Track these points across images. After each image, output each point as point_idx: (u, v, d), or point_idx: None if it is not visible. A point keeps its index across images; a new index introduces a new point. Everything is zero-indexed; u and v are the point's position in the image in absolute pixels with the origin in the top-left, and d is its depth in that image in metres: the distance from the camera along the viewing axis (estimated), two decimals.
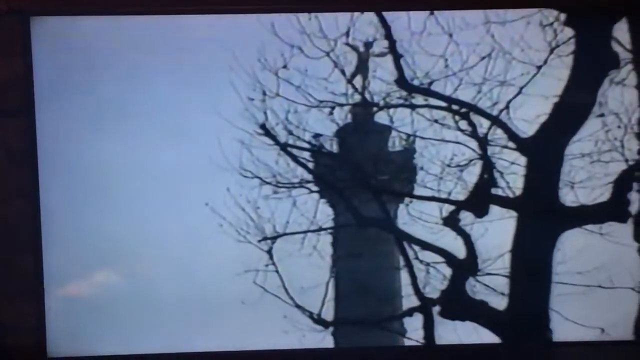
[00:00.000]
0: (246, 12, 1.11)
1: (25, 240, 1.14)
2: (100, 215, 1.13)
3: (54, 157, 1.12)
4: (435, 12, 1.12)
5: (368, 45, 1.13)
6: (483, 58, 1.14)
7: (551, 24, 1.14)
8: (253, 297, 1.15)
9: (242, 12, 1.12)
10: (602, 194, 1.17)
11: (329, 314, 1.17)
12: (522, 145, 1.16)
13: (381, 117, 1.15)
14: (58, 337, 1.14)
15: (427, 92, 1.14)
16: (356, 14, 1.13)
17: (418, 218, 1.16)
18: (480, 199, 1.16)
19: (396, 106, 1.14)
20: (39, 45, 1.09)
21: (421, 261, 1.17)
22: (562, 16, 1.13)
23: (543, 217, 1.17)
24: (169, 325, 1.16)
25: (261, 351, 1.16)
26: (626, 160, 1.17)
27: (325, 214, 1.16)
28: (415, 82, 1.14)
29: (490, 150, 1.16)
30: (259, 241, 1.15)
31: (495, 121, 1.15)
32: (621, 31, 1.14)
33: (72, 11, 1.09)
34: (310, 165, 1.15)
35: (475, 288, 1.18)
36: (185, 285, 1.15)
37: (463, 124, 1.15)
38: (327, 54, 1.13)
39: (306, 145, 1.15)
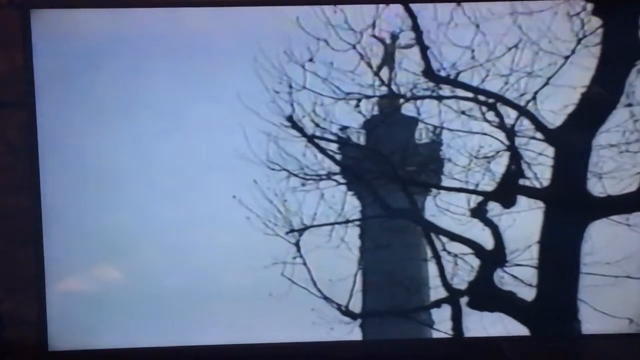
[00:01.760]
0: (267, 5, 1.11)
1: (26, 233, 1.13)
2: (102, 208, 1.13)
3: (55, 150, 1.11)
4: (462, 2, 1.12)
5: (394, 37, 1.13)
6: (510, 49, 1.13)
7: (578, 14, 1.13)
8: (281, 289, 1.16)
9: (248, 5, 1.11)
10: (630, 184, 1.16)
11: (356, 306, 1.17)
12: (549, 136, 1.15)
13: (408, 109, 1.15)
14: (59, 331, 1.14)
15: (454, 83, 1.13)
16: (382, 5, 1.12)
17: (446, 209, 1.16)
18: (508, 190, 1.16)
19: (423, 97, 1.14)
20: (39, 38, 1.08)
21: (449, 252, 1.17)
22: (589, 6, 1.12)
23: (571, 208, 1.17)
24: (175, 319, 1.16)
25: (286, 344, 1.16)
26: None
27: (352, 205, 1.16)
28: (442, 74, 1.13)
29: (517, 141, 1.15)
30: (287, 233, 1.15)
31: (523, 112, 1.14)
32: None
33: (73, 4, 1.08)
34: (338, 157, 1.15)
35: (503, 279, 1.18)
36: (193, 278, 1.15)
37: (490, 115, 1.14)
38: (353, 47, 1.13)
39: (333, 138, 1.14)
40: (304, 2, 1.11)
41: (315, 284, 1.16)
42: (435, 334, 1.19)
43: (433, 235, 1.17)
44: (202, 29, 1.10)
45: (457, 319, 1.18)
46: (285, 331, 1.17)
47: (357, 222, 1.16)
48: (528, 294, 1.18)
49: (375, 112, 1.15)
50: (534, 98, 1.14)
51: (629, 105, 1.15)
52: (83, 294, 1.14)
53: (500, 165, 1.16)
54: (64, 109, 1.10)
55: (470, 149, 1.15)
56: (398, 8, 1.12)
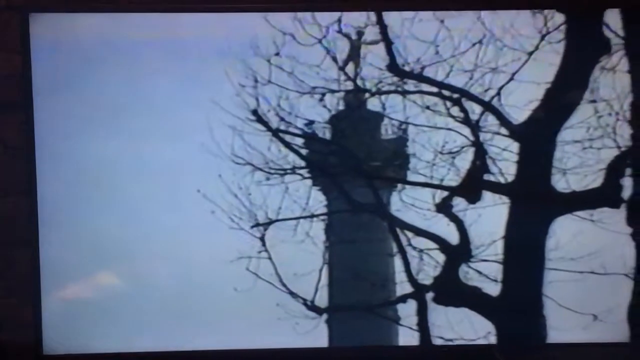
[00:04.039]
0: (240, 11, 1.12)
1: (22, 236, 1.14)
2: (98, 211, 1.13)
3: (52, 152, 1.12)
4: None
5: (360, 32, 1.14)
6: (474, 44, 1.14)
7: (541, 11, 1.14)
8: (246, 284, 1.15)
9: (238, 11, 1.12)
10: (594, 180, 1.17)
11: (322, 301, 1.17)
12: (514, 131, 1.16)
13: (373, 104, 1.15)
14: (54, 334, 1.14)
15: (419, 78, 1.14)
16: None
17: (411, 204, 1.16)
18: (473, 185, 1.16)
19: (388, 92, 1.14)
20: (38, 41, 1.09)
21: (414, 247, 1.17)
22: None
23: (535, 204, 1.17)
24: (163, 323, 1.15)
25: (258, 350, 1.16)
26: (618, 147, 1.17)
27: (317, 200, 1.16)
28: (407, 68, 1.14)
29: (482, 136, 1.16)
30: (252, 227, 1.15)
31: (487, 107, 1.15)
32: (612, 17, 1.14)
33: (70, 8, 1.10)
34: (303, 151, 1.15)
35: (468, 274, 1.18)
36: (182, 280, 1.15)
37: (455, 111, 1.15)
38: (319, 41, 1.13)
39: (298, 132, 1.14)
40: (275, 10, 1.12)
41: (280, 279, 1.16)
42: (401, 329, 1.19)
43: (398, 230, 1.17)
44: (177, 25, 1.12)
45: (422, 314, 1.18)
46: (250, 326, 1.16)
47: (322, 217, 1.16)
48: (493, 290, 1.18)
49: (341, 106, 1.15)
50: (498, 93, 1.15)
51: (593, 101, 1.16)
52: (78, 298, 1.14)
53: (465, 160, 1.17)
54: (62, 112, 1.11)
55: (435, 144, 1.16)
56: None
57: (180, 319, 1.16)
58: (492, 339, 1.19)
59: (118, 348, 1.15)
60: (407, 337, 1.19)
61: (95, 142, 1.12)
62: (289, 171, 1.15)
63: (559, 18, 1.14)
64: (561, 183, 1.17)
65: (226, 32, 1.12)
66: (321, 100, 1.14)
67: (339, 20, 1.13)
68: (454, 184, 1.17)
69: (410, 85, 1.14)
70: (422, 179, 1.16)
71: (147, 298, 1.15)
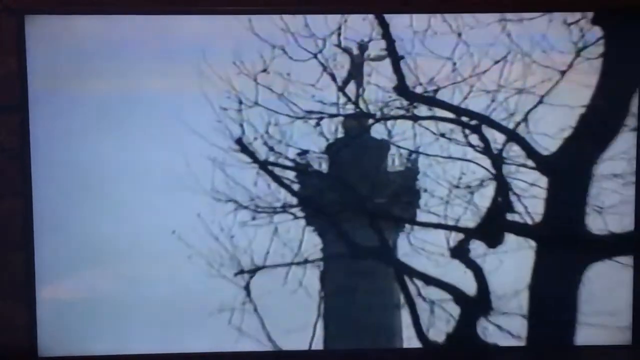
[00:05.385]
0: (225, 14, 1.07)
1: (16, 238, 1.15)
2: (93, 214, 1.12)
3: (47, 155, 1.12)
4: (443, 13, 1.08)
5: (363, 46, 1.07)
6: (497, 62, 1.07)
7: (577, 21, 1.07)
8: (228, 339, 1.10)
9: (222, 14, 1.07)
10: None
11: None
12: (542, 163, 1.10)
13: (378, 131, 1.09)
14: (49, 337, 1.14)
15: (432, 101, 1.08)
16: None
17: (421, 248, 1.11)
18: (494, 227, 1.11)
19: (396, 118, 1.10)
20: (33, 44, 1.10)
21: (424, 298, 1.12)
22: (590, 13, 1.06)
23: (567, 248, 1.11)
24: (159, 326, 1.12)
25: (253, 352, 1.12)
26: None
27: (312, 243, 1.11)
28: (418, 90, 1.08)
29: (505, 169, 1.10)
30: (235, 275, 1.10)
31: (512, 135, 1.09)
32: None
33: (66, 10, 1.11)
34: (295, 186, 1.10)
35: (488, 330, 1.12)
36: (178, 283, 1.11)
37: (474, 139, 1.10)
38: (315, 56, 1.07)
39: (290, 164, 1.10)
40: (261, 11, 1.07)
41: (268, 335, 1.11)
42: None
43: (406, 279, 1.12)
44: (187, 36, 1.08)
45: None
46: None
47: (318, 263, 1.11)
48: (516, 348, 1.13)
49: (340, 134, 1.10)
50: (525, 119, 1.09)
51: (635, 129, 1.09)
52: (73, 300, 1.14)
53: (485, 197, 1.11)
54: (57, 114, 1.11)
55: (450, 177, 1.10)
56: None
57: (175, 322, 1.11)
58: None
59: (113, 350, 1.14)
60: None
61: (91, 144, 1.11)
62: (278, 209, 1.10)
63: (596, 31, 1.07)
64: (597, 224, 1.10)
65: (204, 44, 1.06)
66: (317, 126, 1.08)
67: (339, 32, 1.06)
68: (471, 224, 1.11)
69: (422, 109, 1.09)
70: (434, 219, 1.11)
71: (142, 300, 1.12)
